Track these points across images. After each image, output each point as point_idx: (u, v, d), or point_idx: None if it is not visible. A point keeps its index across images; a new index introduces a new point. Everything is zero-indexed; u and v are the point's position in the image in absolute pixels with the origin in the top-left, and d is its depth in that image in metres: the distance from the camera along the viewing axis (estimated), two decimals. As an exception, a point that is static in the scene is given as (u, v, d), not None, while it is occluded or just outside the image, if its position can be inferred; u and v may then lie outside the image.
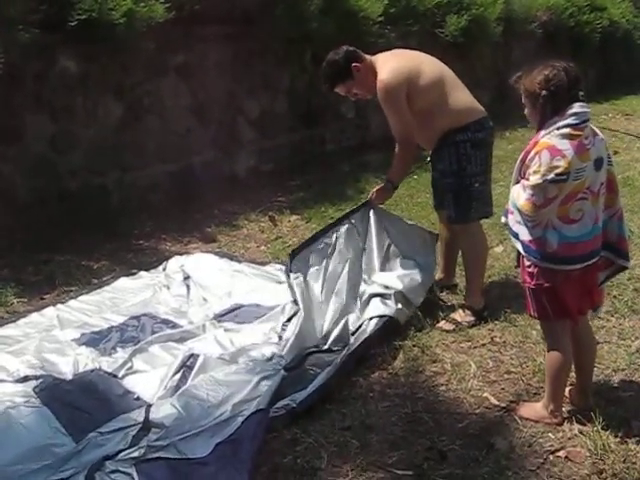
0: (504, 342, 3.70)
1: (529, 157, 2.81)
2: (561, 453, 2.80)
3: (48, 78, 5.84)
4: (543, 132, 2.79)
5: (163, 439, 2.89)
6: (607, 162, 2.87)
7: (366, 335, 3.69)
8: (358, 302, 3.99)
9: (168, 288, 4.61)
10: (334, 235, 4.18)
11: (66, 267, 5.09)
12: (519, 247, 2.90)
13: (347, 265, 4.12)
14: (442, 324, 3.93)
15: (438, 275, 4.48)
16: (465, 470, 2.71)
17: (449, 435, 2.94)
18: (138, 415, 3.09)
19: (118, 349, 3.79)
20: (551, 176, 2.70)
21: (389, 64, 4.03)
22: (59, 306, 4.36)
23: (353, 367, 3.48)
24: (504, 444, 2.87)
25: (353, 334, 3.74)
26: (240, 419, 3.00)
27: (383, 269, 4.18)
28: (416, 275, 4.15)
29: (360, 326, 3.79)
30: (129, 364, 3.61)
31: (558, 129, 2.75)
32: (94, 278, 4.88)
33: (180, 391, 3.26)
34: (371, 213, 4.30)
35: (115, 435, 2.96)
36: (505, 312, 3.98)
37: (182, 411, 3.07)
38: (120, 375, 3.51)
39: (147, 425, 3.01)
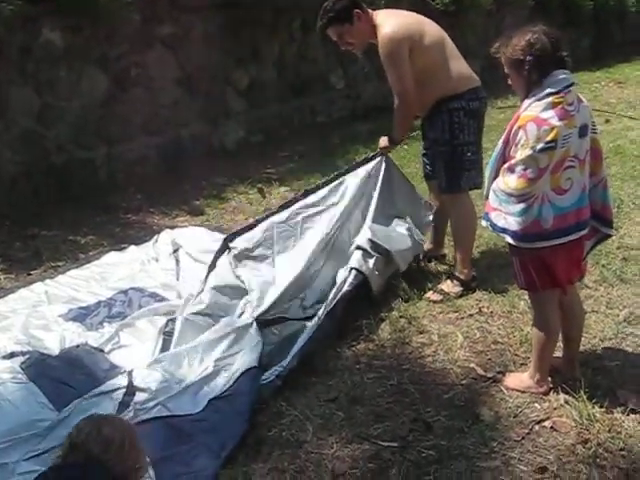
0: (492, 312, 3.69)
1: (512, 134, 2.76)
2: (546, 423, 2.80)
3: (32, 50, 5.75)
4: (525, 104, 2.75)
5: (150, 401, 2.93)
6: (591, 130, 2.83)
7: (341, 292, 3.64)
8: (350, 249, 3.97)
9: (157, 261, 4.57)
10: (344, 183, 4.21)
11: (53, 242, 5.06)
12: (510, 240, 2.83)
13: (348, 211, 4.11)
14: (430, 295, 3.92)
15: (427, 245, 4.46)
16: (450, 441, 2.71)
17: (435, 406, 2.93)
18: (121, 380, 3.10)
19: (105, 324, 3.78)
20: (540, 145, 2.67)
21: (392, 19, 3.96)
22: (47, 281, 4.33)
23: (332, 326, 3.46)
24: (490, 415, 2.86)
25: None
26: (225, 374, 3.09)
27: (377, 221, 4.12)
28: (407, 239, 4.13)
29: (341, 281, 3.75)
30: (116, 339, 3.59)
31: (539, 99, 2.71)
32: (81, 253, 4.85)
33: (162, 355, 3.29)
34: (383, 163, 4.26)
35: (100, 399, 2.96)
36: (493, 282, 3.97)
37: (165, 373, 3.11)
38: (107, 350, 3.50)
39: (131, 389, 3.03)
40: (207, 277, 3.74)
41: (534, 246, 2.80)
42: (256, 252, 3.92)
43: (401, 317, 3.66)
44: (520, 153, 2.71)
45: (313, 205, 4.15)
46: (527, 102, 2.75)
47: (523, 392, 3.00)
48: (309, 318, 3.55)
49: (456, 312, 3.73)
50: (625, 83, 11.66)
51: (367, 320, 3.60)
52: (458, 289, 3.93)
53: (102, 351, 3.48)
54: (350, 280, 3.70)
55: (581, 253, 2.96)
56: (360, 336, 3.51)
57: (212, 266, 3.79)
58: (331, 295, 3.63)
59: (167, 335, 3.48)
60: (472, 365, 3.23)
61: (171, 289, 4.16)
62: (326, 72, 8.83)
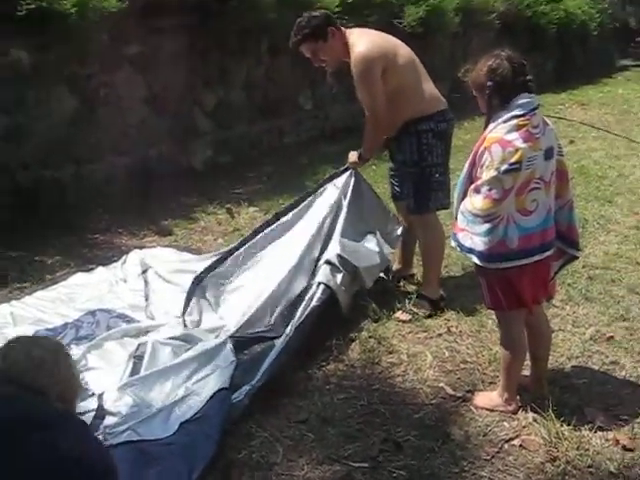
0: (460, 332, 3.72)
1: (478, 156, 2.80)
2: (516, 442, 2.82)
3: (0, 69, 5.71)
4: (491, 126, 2.79)
5: (120, 425, 2.91)
6: (557, 152, 2.88)
7: (309, 308, 3.64)
8: (318, 264, 3.98)
9: (125, 282, 4.54)
10: (312, 196, 4.31)
11: (19, 263, 4.99)
12: (476, 260, 2.86)
13: (318, 225, 4.14)
14: (399, 314, 3.93)
15: (395, 265, 4.48)
16: (421, 461, 2.72)
17: (405, 426, 2.94)
18: (91, 403, 3.07)
19: (72, 346, 3.71)
20: (505, 167, 2.70)
21: (366, 38, 3.99)
22: (13, 302, 4.26)
23: (301, 343, 3.45)
24: (459, 434, 2.88)
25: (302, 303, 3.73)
26: (197, 398, 3.07)
27: (346, 235, 4.12)
28: (375, 255, 4.15)
29: (309, 297, 3.76)
30: (83, 361, 3.55)
31: (505, 122, 2.75)
32: (48, 274, 4.78)
33: (132, 379, 3.26)
34: (352, 177, 4.28)
35: None
36: (461, 302, 4.01)
37: (135, 397, 3.09)
38: (74, 372, 3.46)
39: (101, 412, 3.01)
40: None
41: (500, 266, 2.83)
42: (229, 278, 4.04)
43: (370, 337, 3.67)
44: (485, 174, 2.75)
45: (283, 226, 4.21)
46: (493, 124, 2.80)
47: (492, 411, 3.02)
48: (277, 337, 3.54)
49: (425, 332, 3.75)
50: (588, 105, 11.90)
51: (337, 340, 3.61)
52: (427, 309, 3.96)
53: (70, 374, 3.44)
54: (318, 295, 3.70)
55: (547, 274, 2.99)
56: (330, 356, 3.51)
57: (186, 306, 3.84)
58: (299, 311, 3.62)
59: (137, 359, 3.46)
60: (441, 384, 3.25)
61: (140, 310, 4.13)
62: (294, 93, 8.87)
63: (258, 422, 2.99)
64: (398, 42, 4.08)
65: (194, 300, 3.93)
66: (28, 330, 3.88)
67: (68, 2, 5.51)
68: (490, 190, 2.74)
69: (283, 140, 8.60)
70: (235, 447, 2.84)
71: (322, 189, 4.33)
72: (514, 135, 2.73)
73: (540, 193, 2.80)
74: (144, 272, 4.59)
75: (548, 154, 2.80)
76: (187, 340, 3.60)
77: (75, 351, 3.62)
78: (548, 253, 2.89)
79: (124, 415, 3.00)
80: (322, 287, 3.75)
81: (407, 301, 4.06)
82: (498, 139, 2.74)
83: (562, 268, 3.16)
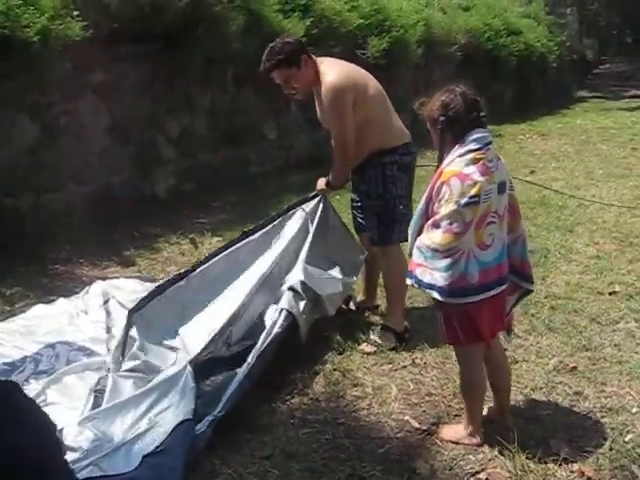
0: (425, 364, 3.71)
1: (435, 190, 2.81)
2: (482, 475, 2.80)
3: (-40, 96, 5.64)
4: (447, 160, 2.81)
5: (82, 460, 2.83)
6: (509, 187, 2.91)
7: (272, 335, 3.60)
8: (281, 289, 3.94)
9: (86, 314, 4.46)
10: (280, 219, 4.30)
11: (-24, 294, 4.89)
12: (437, 296, 2.83)
13: (283, 249, 4.13)
14: (363, 347, 3.91)
15: (359, 297, 4.47)
16: (386, 497, 2.69)
17: (370, 461, 2.90)
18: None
19: (32, 380, 3.65)
20: (465, 200, 2.71)
21: (337, 68, 3.99)
22: (-31, 335, 4.17)
23: (264, 368, 3.41)
24: (425, 468, 2.85)
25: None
26: (160, 429, 3.00)
27: (310, 262, 4.09)
28: (338, 283, 4.13)
29: (271, 323, 3.71)
30: (42, 396, 3.48)
31: (461, 155, 2.77)
32: (6, 305, 4.68)
33: (93, 413, 3.19)
34: (320, 204, 4.28)
35: None
36: (426, 333, 3.99)
37: (97, 432, 3.03)
38: (33, 408, 3.37)
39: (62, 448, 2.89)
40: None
41: (461, 301, 2.82)
42: (189, 300, 3.95)
43: (335, 370, 3.64)
44: (444, 208, 2.75)
45: (248, 248, 4.18)
46: (449, 158, 2.81)
47: (457, 444, 3.00)
48: (236, 357, 3.51)
49: (390, 364, 3.73)
50: (548, 135, 12.12)
51: (301, 373, 3.57)
52: (391, 341, 3.94)
53: (28, 409, 3.35)
54: (280, 322, 3.66)
55: (503, 307, 3.01)
56: (294, 390, 3.46)
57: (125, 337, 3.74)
58: (261, 338, 3.57)
59: (98, 393, 3.39)
60: (407, 418, 3.22)
61: (101, 342, 4.04)
62: (259, 122, 8.89)
63: (222, 458, 2.94)
64: (367, 74, 4.10)
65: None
66: (-15, 364, 3.81)
67: (31, 30, 5.48)
68: (451, 224, 2.73)
69: (248, 169, 8.59)
70: (198, 485, 2.79)
71: (291, 212, 4.32)
72: (472, 169, 2.74)
73: (496, 227, 2.81)
74: (106, 302, 4.51)
75: (501, 188, 2.82)
76: (147, 371, 3.54)
77: (34, 386, 3.58)
78: (504, 287, 2.89)
79: (85, 450, 2.93)
80: (285, 313, 3.71)
81: (371, 333, 4.04)
82: (456, 172, 2.75)
83: (518, 302, 3.18)
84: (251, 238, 4.24)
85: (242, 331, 3.73)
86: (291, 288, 3.87)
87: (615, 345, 3.83)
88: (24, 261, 5.45)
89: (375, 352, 3.85)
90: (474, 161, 2.75)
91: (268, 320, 3.75)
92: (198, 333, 3.71)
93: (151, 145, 7.40)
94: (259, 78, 6.65)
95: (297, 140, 9.43)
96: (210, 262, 4.14)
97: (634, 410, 3.19)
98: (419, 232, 2.88)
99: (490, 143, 2.81)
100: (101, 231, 6.14)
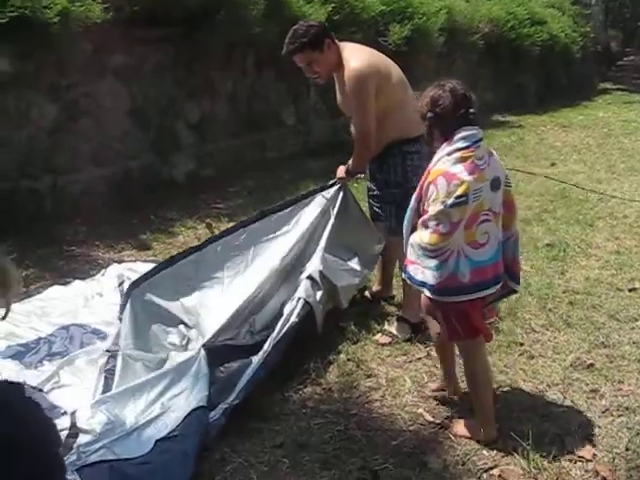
0: (440, 356, 3.65)
1: (424, 189, 2.80)
2: (495, 472, 2.77)
3: (-21, 77, 5.64)
4: (434, 159, 2.79)
5: (94, 443, 2.83)
6: (505, 183, 2.87)
7: (288, 324, 3.56)
8: (300, 277, 3.91)
9: (101, 296, 4.46)
10: (300, 210, 4.22)
11: (-7, 274, 4.89)
12: (428, 294, 2.84)
13: (302, 234, 4.10)
14: (378, 337, 3.88)
15: (375, 287, 4.44)
16: (398, 490, 2.66)
17: (382, 454, 2.88)
18: (64, 421, 3.00)
19: (45, 362, 3.66)
20: (451, 200, 2.68)
21: (361, 54, 3.93)
22: (-15, 315, 4.17)
23: (280, 357, 3.38)
24: (438, 463, 2.82)
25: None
26: (173, 415, 3.00)
27: (329, 251, 4.07)
28: (355, 275, 4.10)
29: (288, 312, 3.67)
30: (55, 378, 3.47)
31: (448, 154, 2.74)
32: (22, 286, 4.68)
33: (106, 396, 3.18)
34: (340, 191, 4.24)
35: None
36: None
37: (109, 415, 3.02)
38: (46, 389, 3.38)
39: (75, 431, 2.94)
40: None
41: (452, 300, 2.81)
42: (204, 276, 3.89)
43: (349, 360, 3.61)
44: (432, 208, 2.73)
45: (267, 230, 4.14)
46: (437, 157, 2.79)
47: (471, 439, 2.97)
48: (256, 346, 3.47)
49: (404, 355, 3.70)
50: (570, 127, 11.98)
51: (314, 363, 3.54)
52: (407, 332, 3.90)
53: (41, 390, 3.35)
54: (297, 311, 3.63)
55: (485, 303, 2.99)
56: (307, 379, 3.44)
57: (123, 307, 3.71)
58: (278, 327, 3.54)
59: (108, 373, 3.39)
60: (420, 411, 3.19)
61: (115, 325, 4.04)
62: (278, 108, 8.85)
63: (232, 446, 2.92)
64: (390, 61, 4.04)
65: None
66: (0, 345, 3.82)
67: (51, 11, 5.47)
68: (437, 225, 2.72)
69: (265, 155, 8.57)
70: (208, 473, 2.76)
71: (311, 198, 4.28)
72: (459, 167, 2.71)
73: (491, 225, 2.79)
74: (121, 284, 4.50)
75: (494, 185, 2.79)
76: (156, 350, 3.55)
77: (48, 367, 3.59)
78: (499, 286, 2.88)
79: (98, 433, 2.92)
80: (302, 302, 3.68)
81: (386, 323, 4.01)
82: (443, 172, 2.73)
83: (499, 300, 3.15)
84: (268, 221, 4.19)
85: (265, 320, 3.71)
86: (310, 277, 3.84)
87: (634, 343, 3.77)
88: (41, 243, 5.46)
89: (390, 343, 3.82)
90: (462, 160, 2.72)
91: (287, 309, 3.72)
92: (214, 315, 3.68)
93: (170, 129, 7.38)
94: (279, 63, 6.65)
95: (316, 126, 9.38)
96: (224, 239, 4.09)
97: (651, 410, 3.15)
98: (412, 230, 2.87)
99: (480, 140, 2.78)
100: (118, 214, 6.15)
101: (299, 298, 3.71)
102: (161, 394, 3.20)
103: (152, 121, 7.12)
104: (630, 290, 4.47)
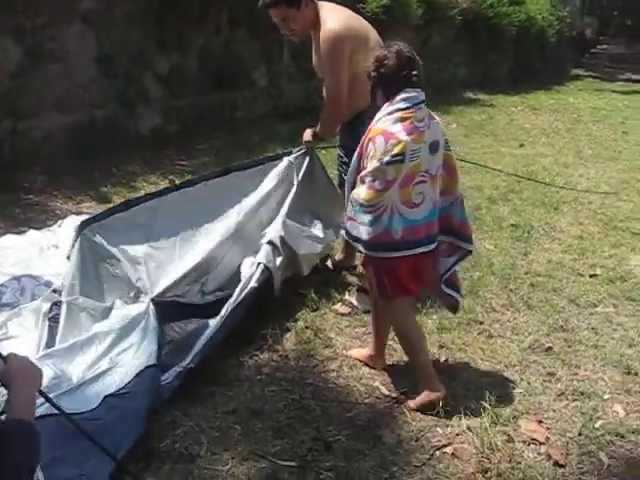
0: (399, 330, 3.61)
1: (364, 147, 2.84)
2: (448, 449, 2.74)
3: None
4: (375, 118, 2.84)
5: (39, 397, 2.69)
6: (444, 147, 2.92)
7: (247, 288, 3.47)
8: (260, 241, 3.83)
9: (57, 248, 4.31)
10: (264, 172, 4.13)
11: (-55, 219, 4.73)
12: (361, 249, 2.92)
13: (263, 197, 4.02)
14: (338, 307, 3.82)
15: (338, 256, 4.38)
16: (350, 463, 2.61)
17: (336, 425, 2.83)
18: (8, 376, 2.89)
19: (-6, 313, 3.54)
20: (387, 158, 2.73)
21: (339, 15, 3.82)
22: None
23: (238, 322, 3.31)
24: (391, 437, 2.79)
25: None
26: (121, 370, 2.94)
27: (292, 217, 4.00)
28: (317, 243, 4.05)
29: (247, 276, 3.58)
30: (4, 329, 3.37)
31: (389, 114, 2.79)
32: (-26, 232, 4.54)
33: (52, 350, 3.09)
34: (307, 156, 4.16)
35: None
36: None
37: (56, 369, 2.94)
38: (-7, 340, 3.27)
39: None
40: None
41: (384, 255, 2.86)
42: (160, 226, 3.72)
43: (307, 328, 3.56)
44: (369, 165, 2.79)
45: (229, 187, 4.02)
46: (378, 116, 2.84)
47: (425, 411, 2.94)
48: (207, 306, 3.40)
49: (363, 327, 3.64)
50: (540, 110, 12.01)
51: (272, 329, 3.47)
52: (367, 304, 3.83)
53: (-12, 342, 3.25)
54: (257, 276, 3.55)
55: (431, 266, 3.02)
56: (264, 345, 3.37)
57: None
58: (236, 291, 3.45)
59: (52, 321, 3.30)
60: (376, 384, 3.15)
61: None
62: (249, 68, 8.68)
63: (184, 409, 2.85)
64: (369, 25, 3.94)
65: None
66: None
67: (20, -53, 5.22)
68: (373, 181, 2.77)
69: (235, 114, 8.41)
70: (157, 435, 2.69)
71: (277, 161, 4.19)
72: (398, 127, 2.76)
73: (426, 186, 2.83)
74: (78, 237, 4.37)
75: (433, 147, 2.85)
76: (101, 299, 3.43)
77: (-4, 318, 3.47)
78: (433, 245, 2.92)
79: (44, 387, 2.83)
80: (262, 268, 3.61)
81: (347, 293, 3.96)
82: (382, 131, 2.77)
83: (457, 263, 3.16)
84: (232, 178, 4.07)
85: (218, 281, 3.62)
86: (270, 242, 3.77)
87: (592, 329, 3.77)
88: (-4, 188, 5.29)
89: (349, 313, 3.77)
90: (401, 120, 2.76)
91: (245, 273, 3.64)
92: (166, 269, 3.56)
93: (138, 81, 7.18)
94: (254, 22, 6.50)
95: (287, 89, 9.24)
96: (185, 189, 3.93)
97: (606, 396, 3.15)
98: (353, 187, 2.91)
99: (421, 102, 2.81)
100: (79, 164, 5.98)
101: (259, 263, 3.63)
102: (109, 348, 3.11)
103: (120, 70, 6.90)
104: (591, 276, 4.48)
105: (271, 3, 3.79)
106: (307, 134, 4.13)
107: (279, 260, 3.73)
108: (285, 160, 4.17)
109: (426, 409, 2.96)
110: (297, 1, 3.77)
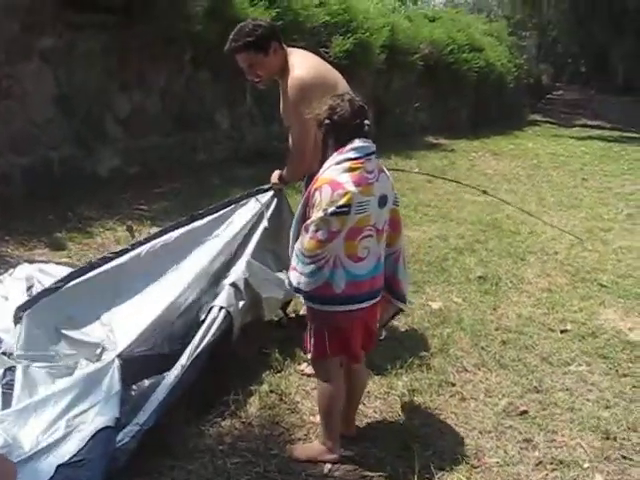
0: (368, 392, 3.42)
1: (311, 195, 2.76)
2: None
3: None
4: (324, 167, 2.76)
5: None
6: (393, 201, 2.87)
7: (208, 336, 3.29)
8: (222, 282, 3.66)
9: (6, 299, 4.06)
10: (231, 213, 3.99)
11: None
12: (302, 299, 2.86)
13: (229, 239, 3.87)
14: (303, 367, 3.62)
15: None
16: None
17: (302, 503, 2.65)
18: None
19: None
20: (332, 209, 2.65)
21: (309, 62, 3.71)
22: None
23: (197, 375, 3.10)
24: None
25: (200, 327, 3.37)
26: (78, 435, 2.70)
27: (256, 257, 3.84)
28: (280, 287, 3.84)
29: (208, 322, 3.39)
30: (-54, 392, 3.11)
31: (337, 163, 2.72)
32: None
33: (3, 414, 2.84)
34: (275, 197, 4.02)
35: None
36: (370, 358, 3.72)
37: (7, 436, 2.70)
38: (-64, 404, 3.02)
39: None
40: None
41: (324, 309, 2.77)
42: (123, 288, 3.56)
43: (272, 392, 3.36)
44: (314, 215, 2.71)
45: (197, 234, 3.85)
46: (326, 165, 2.76)
47: (315, 462, 2.84)
48: (173, 356, 3.18)
49: (331, 389, 3.46)
50: (500, 155, 12.10)
51: (234, 394, 3.26)
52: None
53: None
54: (218, 322, 3.36)
55: (374, 322, 2.95)
56: (226, 411, 3.15)
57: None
58: (197, 338, 3.25)
59: (6, 387, 3.05)
60: (347, 453, 2.96)
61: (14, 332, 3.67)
62: (212, 110, 8.57)
63: (139, 485, 2.63)
64: (338, 73, 3.83)
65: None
66: None
67: (-24, -16, 5.05)
68: (316, 231, 2.69)
69: (196, 157, 8.26)
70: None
71: (244, 201, 4.04)
72: (346, 177, 2.68)
73: (372, 240, 2.76)
74: (29, 288, 4.10)
75: (382, 201, 2.77)
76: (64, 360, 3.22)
77: (-63, 379, 3.21)
78: (375, 300, 2.84)
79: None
80: (224, 313, 3.42)
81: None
82: (329, 180, 2.70)
83: (391, 320, 3.10)
84: (198, 223, 3.91)
85: (185, 327, 3.41)
86: (233, 284, 3.60)
87: (567, 389, 3.64)
88: (-56, 232, 5.04)
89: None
90: (350, 170, 2.69)
91: (203, 316, 3.44)
92: (130, 324, 3.34)
93: (97, 121, 7.01)
94: (217, 63, 6.38)
95: (249, 132, 9.13)
96: (149, 244, 3.75)
97: (585, 465, 3.00)
98: (297, 235, 2.82)
99: (372, 154, 2.75)
100: (34, 207, 5.76)
101: (220, 307, 3.45)
102: (66, 410, 2.86)
103: (78, 110, 6.73)
104: (562, 332, 4.36)
105: (238, 48, 3.65)
106: (274, 176, 3.99)
107: (241, 304, 3.56)
108: (253, 200, 4.03)
109: (308, 460, 2.87)
110: (265, 47, 3.64)
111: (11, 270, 4.38)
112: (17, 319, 3.39)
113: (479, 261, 5.66)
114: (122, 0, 6.48)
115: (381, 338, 3.19)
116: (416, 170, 6.47)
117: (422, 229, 6.58)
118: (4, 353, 3.31)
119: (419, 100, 13.39)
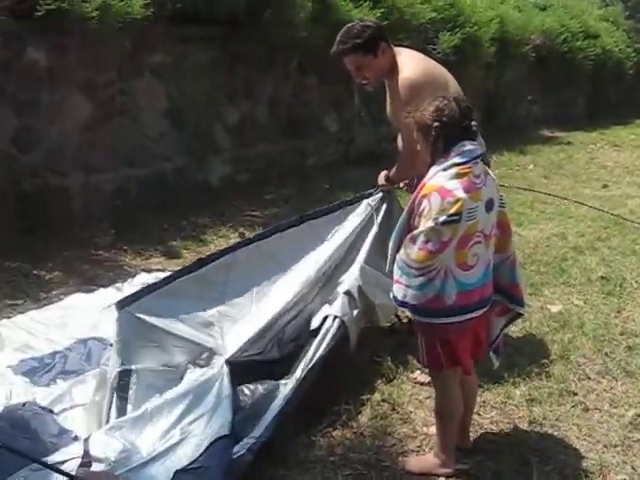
0: (484, 402, 3.32)
1: (417, 203, 2.63)
2: None
3: (14, 69, 5.47)
4: (430, 173, 2.63)
5: None
6: (499, 204, 2.73)
7: (322, 348, 3.26)
8: (337, 289, 3.63)
9: (124, 307, 4.20)
10: (340, 218, 3.94)
11: (14, 275, 4.70)
12: (409, 313, 2.76)
13: (347, 246, 3.84)
14: (416, 375, 3.54)
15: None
16: None
17: (418, 518, 2.57)
18: (75, 448, 2.73)
19: (58, 380, 3.42)
20: (443, 218, 2.53)
21: (417, 62, 3.63)
22: (3, 321, 4.00)
23: (311, 386, 3.08)
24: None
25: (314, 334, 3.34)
26: (194, 440, 2.74)
27: (370, 263, 3.79)
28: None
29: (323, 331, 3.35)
30: (67, 397, 3.25)
31: (445, 169, 2.59)
32: (42, 291, 4.48)
33: (121, 420, 2.90)
34: (386, 199, 3.96)
35: (47, 472, 2.55)
36: (487, 365, 3.60)
37: (125, 442, 2.75)
38: (56, 410, 3.15)
39: (87, 459, 2.65)
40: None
41: (434, 322, 2.67)
42: (233, 283, 3.50)
43: (383, 401, 3.29)
44: (423, 224, 2.57)
45: (306, 237, 3.82)
46: (433, 171, 2.62)
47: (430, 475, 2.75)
48: (282, 361, 3.20)
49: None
50: (621, 146, 11.56)
51: (346, 403, 3.22)
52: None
53: (51, 411, 3.12)
54: (333, 332, 3.33)
55: (483, 330, 2.82)
56: (337, 421, 3.11)
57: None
58: (312, 349, 3.23)
59: (120, 390, 3.11)
60: (460, 466, 2.86)
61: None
62: (320, 114, 8.60)
63: (252, 498, 2.63)
64: (448, 74, 3.72)
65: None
66: (13, 358, 3.59)
67: (90, 5, 5.28)
68: (427, 242, 2.56)
69: (305, 162, 8.31)
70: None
71: (356, 204, 3.98)
72: (455, 184, 2.56)
73: (481, 247, 2.64)
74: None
75: (489, 206, 2.65)
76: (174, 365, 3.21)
77: (61, 385, 3.36)
78: (485, 309, 2.73)
79: (112, 462, 2.65)
80: (338, 322, 3.38)
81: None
82: (438, 187, 2.57)
83: (508, 325, 2.97)
84: (308, 225, 3.85)
85: (295, 331, 3.39)
86: (347, 292, 3.57)
87: (701, 400, 3.40)
88: (66, 244, 5.28)
89: (429, 383, 3.48)
90: (458, 176, 2.57)
91: (316, 324, 3.41)
92: (241, 327, 3.35)
93: (207, 132, 7.16)
94: (323, 68, 6.39)
95: (358, 134, 9.11)
96: (259, 243, 3.69)
97: None
98: (399, 245, 2.70)
99: (479, 157, 2.64)
100: (149, 218, 5.95)
101: (335, 317, 3.41)
102: (181, 417, 2.90)
103: (189, 122, 6.90)
104: (695, 337, 4.09)
105: (346, 50, 3.59)
106: (381, 177, 3.93)
107: (355, 312, 3.52)
108: (364, 203, 3.98)
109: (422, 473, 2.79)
110: (374, 48, 3.57)
111: (130, 279, 4.54)
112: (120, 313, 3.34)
113: (601, 260, 5.39)
114: (227, 11, 6.58)
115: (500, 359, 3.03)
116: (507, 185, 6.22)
117: (539, 227, 6.35)
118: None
119: (531, 92, 13.00)
